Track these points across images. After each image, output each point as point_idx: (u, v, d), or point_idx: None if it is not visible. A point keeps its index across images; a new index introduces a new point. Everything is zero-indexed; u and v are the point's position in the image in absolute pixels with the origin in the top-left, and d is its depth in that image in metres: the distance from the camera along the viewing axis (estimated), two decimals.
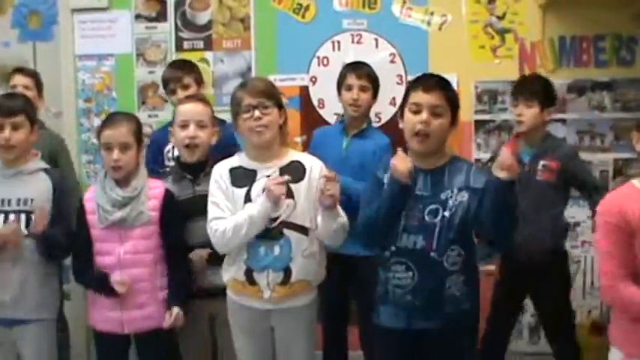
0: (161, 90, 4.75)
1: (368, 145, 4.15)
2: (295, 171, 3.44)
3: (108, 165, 3.64)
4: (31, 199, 3.67)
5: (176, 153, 3.99)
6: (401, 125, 3.28)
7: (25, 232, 3.64)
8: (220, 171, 3.52)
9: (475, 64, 4.81)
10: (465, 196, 3.19)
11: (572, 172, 4.12)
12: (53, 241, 3.65)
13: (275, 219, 3.39)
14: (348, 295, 4.26)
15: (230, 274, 3.52)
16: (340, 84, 4.25)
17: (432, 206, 3.20)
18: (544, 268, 4.10)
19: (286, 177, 3.37)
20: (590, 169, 4.36)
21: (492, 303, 4.24)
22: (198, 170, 3.75)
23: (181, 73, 4.37)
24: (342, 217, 3.37)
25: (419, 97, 3.19)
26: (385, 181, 3.26)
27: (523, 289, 4.24)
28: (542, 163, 4.13)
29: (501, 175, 3.01)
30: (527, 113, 4.12)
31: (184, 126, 3.75)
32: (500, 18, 4.79)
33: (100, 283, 3.63)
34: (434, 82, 3.23)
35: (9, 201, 3.67)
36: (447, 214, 3.18)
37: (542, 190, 4.09)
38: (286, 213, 3.39)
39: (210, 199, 3.51)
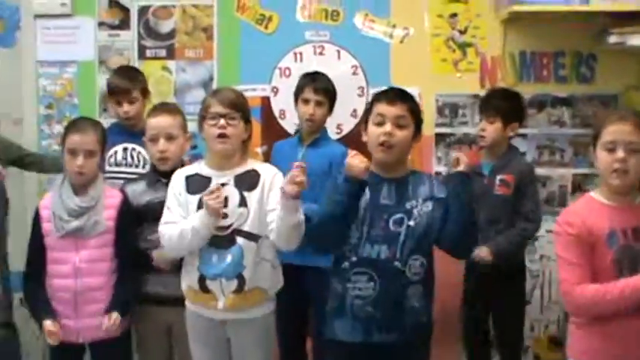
0: None
1: (322, 154, 4.17)
2: (250, 179, 3.46)
3: (71, 170, 3.63)
4: None
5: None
6: (364, 138, 3.32)
7: None
8: (177, 177, 3.55)
9: (436, 77, 4.84)
10: (429, 205, 3.24)
11: (522, 190, 4.16)
12: None
13: (228, 227, 3.39)
14: (304, 306, 4.23)
15: (186, 281, 3.53)
16: (297, 95, 4.26)
17: (397, 215, 3.22)
18: (499, 282, 4.12)
19: (221, 188, 3.38)
20: (537, 194, 4.34)
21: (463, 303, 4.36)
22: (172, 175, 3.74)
23: (130, 85, 4.33)
24: (301, 215, 3.33)
25: (383, 108, 3.23)
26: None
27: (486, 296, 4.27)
28: (499, 177, 4.16)
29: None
30: (490, 129, 4.16)
31: (154, 140, 3.75)
32: (462, 32, 4.81)
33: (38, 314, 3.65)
34: (398, 95, 3.28)
35: None
36: (412, 223, 3.21)
37: (499, 203, 4.12)
38: (239, 221, 3.40)
39: (165, 203, 3.54)
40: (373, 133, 3.24)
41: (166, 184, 3.70)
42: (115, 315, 3.60)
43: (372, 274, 3.24)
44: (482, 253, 4.07)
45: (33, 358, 4.87)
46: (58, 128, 4.99)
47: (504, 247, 4.12)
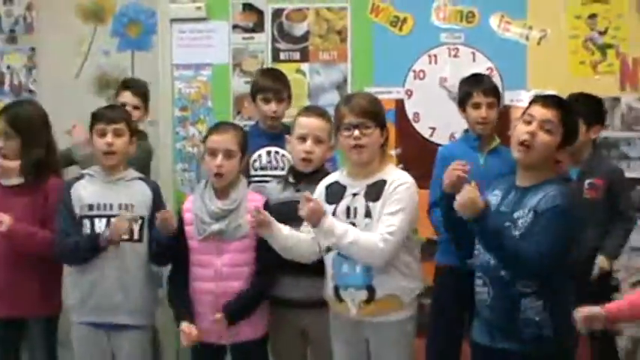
0: None
1: (505, 160, 3.98)
2: (377, 190, 3.44)
3: (210, 171, 3.67)
4: (132, 205, 3.75)
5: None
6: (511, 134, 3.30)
7: (126, 236, 3.71)
8: (320, 188, 3.58)
9: (574, 80, 4.71)
10: (530, 217, 3.14)
11: (614, 191, 4.11)
12: (162, 246, 3.70)
13: None
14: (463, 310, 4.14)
15: (326, 288, 3.56)
16: (464, 101, 4.18)
17: (507, 224, 3.16)
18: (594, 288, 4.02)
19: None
20: (630, 195, 4.28)
21: None
22: (311, 178, 3.76)
23: (281, 85, 4.36)
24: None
25: (535, 109, 3.20)
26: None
27: None
28: (588, 181, 4.11)
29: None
30: None
31: (302, 139, 3.74)
32: (602, 33, 4.71)
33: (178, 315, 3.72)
34: (554, 101, 3.24)
35: (110, 205, 3.76)
36: (516, 233, 3.13)
37: (588, 207, 4.02)
38: (365, 231, 3.40)
39: None
40: (518, 130, 3.21)
41: (293, 185, 3.75)
42: (219, 316, 3.61)
43: (485, 279, 3.22)
44: (603, 263, 4.04)
45: (166, 357, 4.96)
46: (192, 130, 5.09)
47: (617, 250, 4.10)
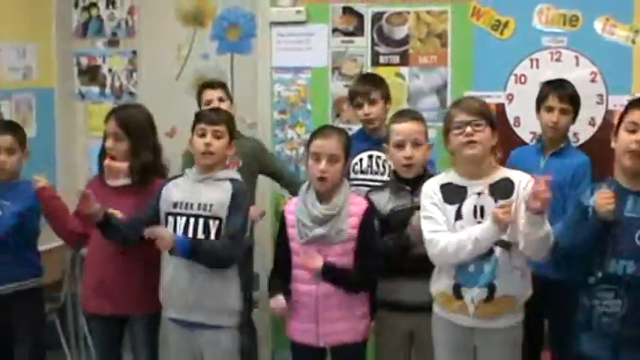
0: None
1: (566, 164, 4.08)
2: (505, 188, 3.42)
3: (313, 175, 3.67)
4: (211, 205, 3.76)
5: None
6: (613, 144, 3.23)
7: (202, 236, 3.74)
8: (432, 187, 3.54)
9: None
10: None
11: None
12: (207, 252, 3.71)
13: None
14: (543, 319, 4.15)
15: (438, 287, 3.54)
16: (540, 102, 4.18)
17: None
18: None
19: (512, 203, 3.33)
20: None
21: None
22: (416, 183, 3.75)
23: (370, 87, 4.37)
24: (548, 226, 3.26)
25: (637, 116, 3.14)
26: (590, 204, 3.17)
27: None
28: None
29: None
30: None
31: (401, 146, 3.74)
32: None
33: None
34: None
35: (191, 205, 3.78)
36: None
37: None
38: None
39: (423, 213, 3.54)
40: (623, 139, 3.15)
41: (410, 192, 3.73)
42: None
43: (619, 290, 3.14)
44: None
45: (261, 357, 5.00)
46: (291, 133, 5.13)
47: None
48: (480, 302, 3.41)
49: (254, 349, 4.67)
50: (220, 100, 4.62)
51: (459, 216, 3.44)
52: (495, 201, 3.40)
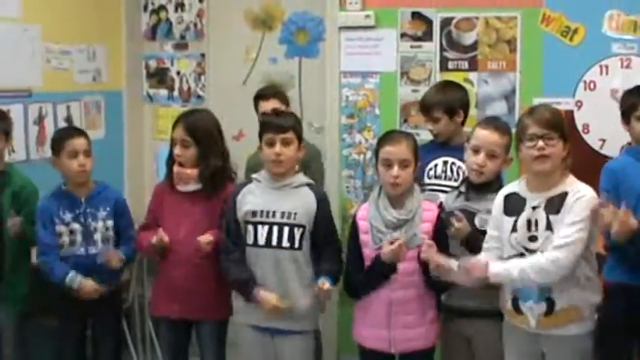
0: None
1: None
2: (558, 203, 3.41)
3: (386, 181, 3.70)
4: (295, 213, 3.79)
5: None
6: None
7: (288, 244, 3.78)
8: (498, 198, 3.58)
9: None
10: None
11: None
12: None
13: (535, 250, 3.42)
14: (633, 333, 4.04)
15: (502, 297, 3.56)
16: (628, 113, 4.10)
17: None
18: None
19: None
20: None
21: None
22: (478, 189, 3.79)
23: (430, 104, 4.34)
24: (505, 275, 3.40)
25: None
26: None
27: None
28: None
29: None
30: None
31: (476, 151, 3.76)
32: None
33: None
34: None
35: (274, 213, 3.81)
36: None
37: None
38: (545, 244, 3.40)
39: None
40: None
41: (464, 195, 3.80)
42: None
43: None
44: None
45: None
46: (359, 138, 5.14)
47: None
48: (541, 316, 3.42)
49: (319, 353, 4.70)
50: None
51: (514, 228, 3.45)
52: (547, 216, 3.40)
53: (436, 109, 4.31)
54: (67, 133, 4.31)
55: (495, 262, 3.42)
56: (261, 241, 3.79)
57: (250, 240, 3.83)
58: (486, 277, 3.37)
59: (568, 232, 3.33)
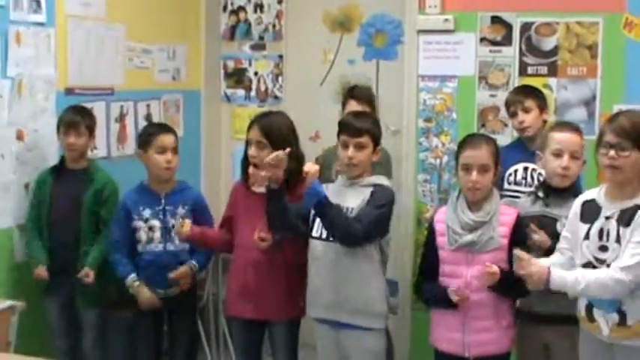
0: (502, 114, 4.83)
1: None
2: (630, 215, 3.33)
3: (465, 186, 3.70)
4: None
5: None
6: None
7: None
8: (577, 203, 3.52)
9: None
10: None
11: None
12: (335, 209, 3.76)
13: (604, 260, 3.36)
14: None
15: (578, 303, 3.51)
16: None
17: None
18: None
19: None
20: None
21: None
22: (557, 194, 3.77)
23: (523, 96, 4.39)
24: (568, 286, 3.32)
25: None
26: None
27: None
28: None
29: None
30: None
31: (558, 155, 3.74)
32: None
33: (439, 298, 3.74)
34: None
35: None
36: None
37: None
38: (612, 257, 3.34)
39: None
40: None
41: (542, 199, 3.77)
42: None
43: None
44: None
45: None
46: (436, 142, 5.14)
47: None
48: (614, 326, 3.37)
49: (390, 355, 4.70)
50: None
51: (587, 236, 3.40)
52: (618, 227, 3.33)
53: (530, 98, 4.35)
54: (157, 129, 4.41)
55: (558, 271, 3.36)
56: (318, 233, 3.87)
57: (316, 233, 3.90)
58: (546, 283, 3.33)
59: (635, 251, 3.27)
